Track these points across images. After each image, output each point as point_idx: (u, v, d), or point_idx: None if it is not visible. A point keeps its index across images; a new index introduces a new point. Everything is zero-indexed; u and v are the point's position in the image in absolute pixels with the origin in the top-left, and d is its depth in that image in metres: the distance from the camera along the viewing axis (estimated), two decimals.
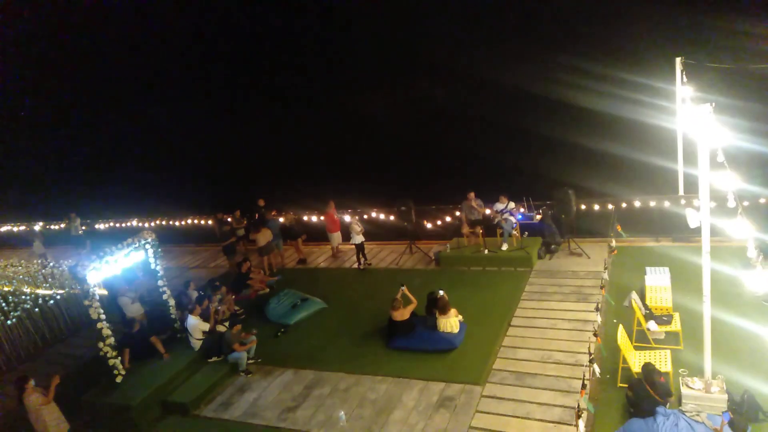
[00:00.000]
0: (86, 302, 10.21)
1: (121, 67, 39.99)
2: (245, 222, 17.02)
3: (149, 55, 39.55)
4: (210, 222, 18.95)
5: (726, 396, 7.36)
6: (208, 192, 26.44)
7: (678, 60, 12.36)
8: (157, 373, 10.76)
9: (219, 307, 12.55)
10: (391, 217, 16.21)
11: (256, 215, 16.90)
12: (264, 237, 15.53)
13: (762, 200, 11.99)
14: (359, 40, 35.52)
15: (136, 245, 11.65)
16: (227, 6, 39.63)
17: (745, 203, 11.65)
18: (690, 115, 6.70)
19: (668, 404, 7.60)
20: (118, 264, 11.11)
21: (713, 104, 6.58)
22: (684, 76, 12.07)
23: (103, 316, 10.38)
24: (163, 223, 21.08)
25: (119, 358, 10.73)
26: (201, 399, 10.26)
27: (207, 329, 11.57)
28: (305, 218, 17.52)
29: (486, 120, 26.48)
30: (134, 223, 21.90)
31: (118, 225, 22.29)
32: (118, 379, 10.58)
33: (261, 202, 17.31)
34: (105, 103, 39.58)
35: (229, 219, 16.82)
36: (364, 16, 35.29)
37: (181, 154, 33.83)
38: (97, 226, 22.66)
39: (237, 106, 36.36)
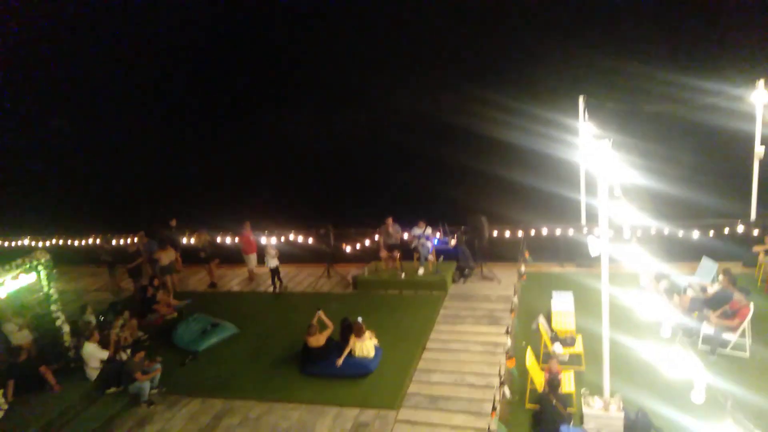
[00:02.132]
0: None
1: (23, 78, 37.25)
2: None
3: (61, 68, 37.22)
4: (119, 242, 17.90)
5: (623, 414, 7.85)
6: (113, 210, 24.92)
7: (581, 98, 13.36)
8: (47, 407, 9.84)
9: (120, 333, 11.76)
10: (310, 240, 16.06)
11: (161, 238, 16.06)
12: (167, 256, 14.98)
13: (653, 231, 13.08)
14: (283, 62, 35.43)
15: (27, 266, 10.72)
16: (145, 21, 38.21)
17: (639, 233, 12.70)
18: (591, 150, 7.22)
19: (571, 422, 7.99)
20: (4, 287, 10.14)
21: (611, 140, 7.14)
22: (586, 114, 13.05)
23: None
24: (60, 242, 19.56)
25: (1, 391, 9.71)
26: None
27: (105, 357, 10.79)
28: (218, 239, 16.95)
29: (405, 147, 27.13)
30: (26, 242, 20.16)
31: (6, 244, 20.42)
32: None
33: (173, 222, 16.56)
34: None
35: (136, 239, 15.95)
36: (289, 37, 35.31)
37: (85, 169, 31.79)
38: None
39: (152, 122, 34.86)
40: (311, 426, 9.04)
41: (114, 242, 17.93)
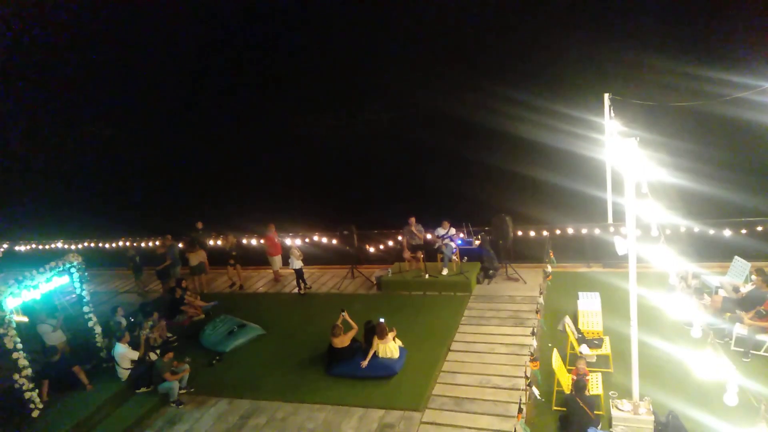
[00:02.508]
0: (0, 330, 9.49)
1: (46, 81, 38.19)
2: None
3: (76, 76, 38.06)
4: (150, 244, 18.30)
5: (653, 417, 7.69)
6: (141, 215, 25.43)
7: (606, 96, 13.15)
8: (79, 406, 10.09)
9: (150, 335, 11.99)
10: (334, 241, 16.14)
11: (191, 239, 16.34)
12: (196, 257, 15.42)
13: (682, 229, 12.80)
14: (306, 62, 35.71)
15: (60, 269, 11.01)
16: (165, 19, 38.84)
17: (668, 232, 12.43)
18: (617, 148, 7.11)
19: (599, 425, 7.86)
20: (39, 289, 10.44)
21: (638, 138, 7.02)
22: (611, 111, 12.84)
23: (19, 346, 9.69)
24: (92, 245, 20.04)
25: (36, 390, 10.00)
26: None
27: (136, 358, 11.01)
28: (244, 241, 17.16)
29: (429, 147, 27.10)
30: (59, 245, 20.70)
31: (40, 247, 21.00)
32: (35, 414, 9.84)
33: (199, 225, 16.83)
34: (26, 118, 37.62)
35: (158, 242, 16.29)
36: (312, 39, 35.57)
37: (114, 175, 32.49)
38: (16, 248, 21.26)
39: (176, 125, 35.47)
40: (336, 427, 9.08)
41: (142, 245, 18.31)
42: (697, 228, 12.73)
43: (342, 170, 28.05)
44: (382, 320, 10.58)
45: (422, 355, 10.68)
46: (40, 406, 9.97)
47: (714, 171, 17.46)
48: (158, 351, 11.55)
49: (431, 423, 8.83)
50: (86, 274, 11.73)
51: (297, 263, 14.66)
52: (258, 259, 16.97)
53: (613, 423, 7.84)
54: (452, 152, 25.91)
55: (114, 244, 19.66)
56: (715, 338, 9.65)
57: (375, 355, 10.35)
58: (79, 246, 20.10)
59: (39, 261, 11.12)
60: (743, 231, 12.39)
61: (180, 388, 10.58)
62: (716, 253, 12.51)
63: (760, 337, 9.20)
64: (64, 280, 11.22)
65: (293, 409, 9.74)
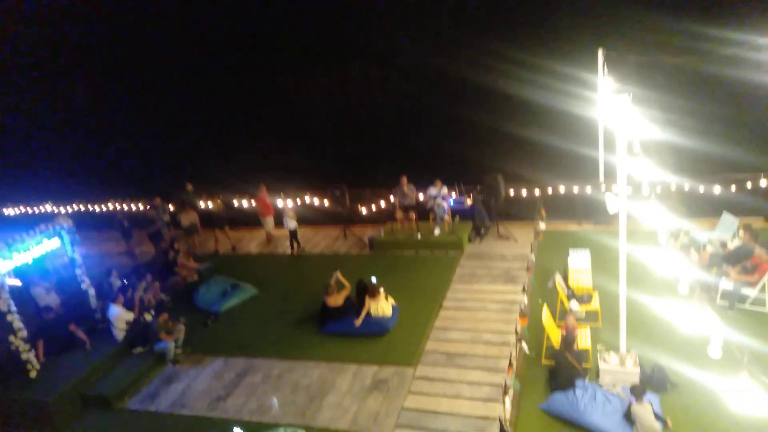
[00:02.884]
0: None
1: (41, 45, 37.02)
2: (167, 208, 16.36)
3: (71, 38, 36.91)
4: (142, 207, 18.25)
5: (638, 369, 7.92)
6: (132, 175, 25.17)
7: (600, 50, 12.93)
8: (76, 367, 10.21)
9: (144, 296, 12.05)
10: (325, 202, 16.11)
11: (181, 200, 16.25)
12: (187, 217, 15.46)
13: (673, 187, 12.87)
14: (294, 21, 34.79)
15: (50, 232, 10.94)
16: None
17: (658, 190, 12.51)
18: (610, 105, 7.05)
19: (587, 377, 8.09)
20: (30, 252, 10.39)
21: (631, 94, 6.95)
22: (605, 67, 12.66)
23: (13, 308, 9.71)
24: (81, 208, 19.89)
25: (32, 351, 10.09)
26: (125, 391, 9.85)
27: (131, 319, 11.10)
28: (235, 203, 17.09)
29: (419, 105, 26.79)
30: (48, 208, 20.52)
31: (29, 210, 20.81)
32: (32, 374, 9.96)
33: (189, 187, 16.69)
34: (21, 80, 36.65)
35: (148, 206, 16.21)
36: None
37: (101, 134, 31.95)
38: (4, 211, 21.07)
39: (164, 85, 34.71)
40: (331, 382, 9.28)
41: (131, 207, 18.20)
42: (687, 185, 12.81)
43: (332, 128, 27.74)
44: (374, 280, 10.68)
45: (415, 312, 10.85)
46: (37, 367, 10.07)
47: (706, 127, 17.42)
48: (153, 312, 11.63)
49: (423, 378, 9.04)
50: (77, 237, 11.67)
51: (291, 223, 14.66)
52: (250, 220, 16.94)
53: (600, 375, 8.07)
54: (444, 110, 25.64)
55: (103, 207, 19.53)
56: (702, 293, 9.86)
57: (368, 313, 10.49)
58: (69, 209, 19.94)
59: (28, 224, 11.03)
60: (732, 186, 12.48)
61: (176, 348, 10.71)
62: (706, 209, 12.63)
63: (746, 290, 9.40)
64: (55, 243, 11.15)
65: (288, 367, 9.92)
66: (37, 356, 10.17)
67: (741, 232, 10.29)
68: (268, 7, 35.43)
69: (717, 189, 12.51)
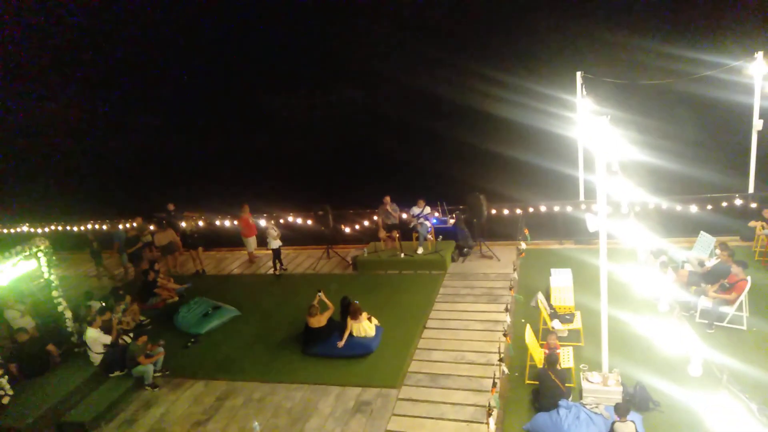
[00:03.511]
0: None
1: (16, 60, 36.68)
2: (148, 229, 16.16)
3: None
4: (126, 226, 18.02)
5: (621, 388, 7.95)
6: (113, 196, 24.87)
7: (578, 74, 13.25)
8: (51, 392, 9.94)
9: (123, 318, 11.83)
10: (309, 222, 16.07)
11: (163, 220, 16.09)
12: (165, 236, 15.30)
13: (651, 206, 13.09)
14: (277, 40, 35.05)
15: (27, 253, 10.73)
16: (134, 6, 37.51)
17: (637, 209, 12.71)
18: (589, 126, 7.19)
19: (570, 397, 8.10)
20: (5, 274, 10.17)
21: (609, 117, 7.10)
22: (584, 90, 12.95)
23: None
24: (59, 228, 19.56)
25: (6, 377, 9.80)
26: (101, 417, 9.59)
27: (108, 342, 10.87)
28: (218, 223, 16.98)
29: (403, 126, 27.01)
30: (25, 228, 20.15)
31: (4, 231, 20.42)
32: (5, 401, 9.66)
33: (170, 207, 16.55)
34: None
35: (134, 225, 15.98)
36: (284, 16, 34.86)
37: (80, 155, 31.60)
38: None
39: (147, 104, 34.58)
40: (314, 405, 9.16)
41: (106, 228, 17.98)
42: (665, 205, 13.04)
43: (316, 149, 27.79)
44: (357, 303, 10.64)
45: (398, 333, 10.79)
46: (11, 392, 9.79)
47: (682, 148, 17.85)
48: (131, 334, 11.42)
49: (407, 399, 8.96)
50: (54, 258, 11.46)
51: (275, 243, 14.58)
52: (232, 241, 16.82)
53: (584, 394, 8.08)
54: (426, 131, 25.87)
55: (80, 227, 19.23)
56: (681, 311, 9.98)
57: (351, 334, 10.42)
58: (46, 229, 19.61)
59: (3, 245, 10.82)
60: (709, 207, 12.74)
61: (155, 371, 10.49)
62: (683, 228, 12.86)
63: (724, 309, 9.53)
64: (32, 264, 10.94)
65: (270, 389, 9.77)
66: (10, 381, 9.89)
67: (718, 251, 10.48)
68: (253, 30, 35.67)
69: (693, 208, 12.76)
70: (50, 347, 10.64)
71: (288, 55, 34.08)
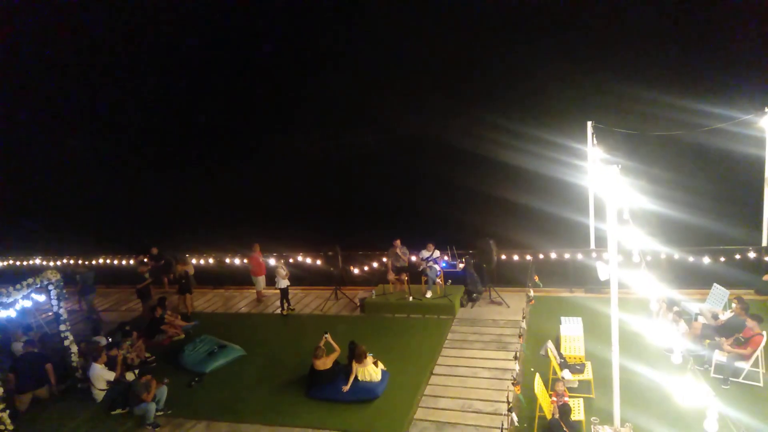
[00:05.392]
0: None
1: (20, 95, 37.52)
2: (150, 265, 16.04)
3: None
4: (128, 262, 18.14)
5: None
6: (122, 232, 25.11)
7: (589, 123, 13.40)
8: (52, 427, 9.80)
9: (128, 354, 11.76)
10: (318, 262, 16.08)
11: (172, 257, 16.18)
12: (184, 268, 15.26)
13: (663, 256, 12.97)
14: (289, 81, 35.89)
15: (38, 285, 10.80)
16: (142, 34, 38.39)
17: (648, 258, 12.59)
18: (599, 175, 7.23)
19: None
20: (14, 306, 10.22)
21: (619, 166, 7.14)
22: (594, 139, 13.08)
23: None
24: (71, 262, 19.72)
25: (7, 411, 9.69)
26: None
27: (112, 378, 10.77)
28: (228, 260, 17.04)
29: (415, 171, 27.25)
30: (37, 261, 20.33)
31: (18, 263, 20.61)
32: None
33: (153, 251, 16.39)
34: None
35: (145, 260, 16.08)
36: (295, 55, 35.83)
37: (92, 190, 32.07)
38: None
39: (158, 147, 35.27)
40: None
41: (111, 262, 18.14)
42: (677, 255, 12.91)
43: (327, 191, 28.05)
44: (362, 346, 10.52)
45: (405, 378, 10.60)
46: (11, 427, 9.66)
47: (693, 199, 17.76)
48: (136, 371, 11.32)
49: None
50: (64, 291, 11.51)
51: (283, 282, 14.55)
52: (241, 279, 16.82)
53: None
54: (438, 177, 26.05)
55: (94, 262, 19.36)
56: (695, 365, 9.72)
57: (356, 378, 10.25)
58: (58, 263, 19.77)
59: (15, 278, 10.90)
60: (722, 258, 12.59)
61: (157, 410, 10.33)
62: (696, 280, 12.66)
63: (739, 364, 9.28)
64: (41, 297, 10.99)
65: None
66: (11, 417, 9.76)
67: (733, 304, 10.29)
68: (258, 71, 36.53)
69: (706, 260, 12.61)
70: (48, 366, 10.57)
71: (300, 96, 34.84)
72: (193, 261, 16.86)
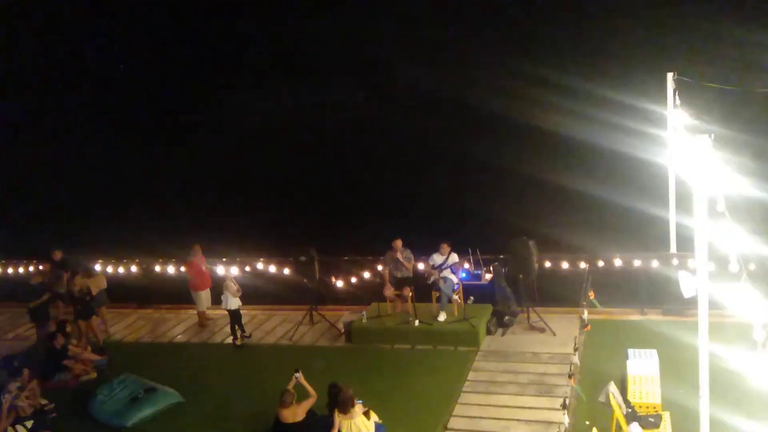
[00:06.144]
0: None
1: None
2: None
3: None
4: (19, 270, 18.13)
5: None
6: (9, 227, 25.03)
7: (669, 76, 13.35)
8: None
9: (16, 402, 11.74)
10: (285, 271, 16.09)
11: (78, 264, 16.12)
12: (96, 283, 15.24)
13: None
14: (244, 22, 35.80)
15: None
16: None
17: (752, 267, 12.58)
18: (683, 148, 7.21)
19: None
20: None
21: (712, 136, 7.11)
22: (677, 97, 13.04)
23: None
24: None
25: None
26: None
27: None
28: (157, 268, 17.02)
29: (423, 143, 27.17)
30: None
31: None
32: None
33: (57, 255, 16.33)
34: None
35: (42, 267, 16.08)
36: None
37: None
38: None
39: (60, 111, 35.18)
40: None
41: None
42: None
43: (300, 171, 27.96)
44: (350, 392, 10.52)
45: None
46: None
47: None
48: (28, 424, 11.32)
49: None
50: None
51: (233, 302, 14.57)
52: (176, 295, 16.81)
53: None
54: (456, 151, 26.01)
55: None
56: None
57: None
58: None
59: None
60: None
61: None
62: None
63: None
64: None
65: None
66: None
67: None
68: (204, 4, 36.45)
69: None
70: None
71: (264, 40, 34.68)
72: (109, 270, 16.83)
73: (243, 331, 14.88)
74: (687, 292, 7.33)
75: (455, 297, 14.14)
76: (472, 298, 14.26)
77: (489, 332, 13.91)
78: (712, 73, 20.24)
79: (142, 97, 34.91)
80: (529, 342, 13.46)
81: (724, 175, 7.27)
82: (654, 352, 11.39)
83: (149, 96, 34.94)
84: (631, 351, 11.53)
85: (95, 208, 25.86)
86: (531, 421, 10.80)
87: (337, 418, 10.26)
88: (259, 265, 16.41)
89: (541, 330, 13.80)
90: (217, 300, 15.27)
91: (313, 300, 15.57)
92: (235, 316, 14.69)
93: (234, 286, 14.61)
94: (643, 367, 11.02)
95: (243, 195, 25.82)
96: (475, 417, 11.14)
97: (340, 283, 15.67)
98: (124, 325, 16.49)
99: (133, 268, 17.30)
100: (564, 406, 9.87)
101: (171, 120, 33.03)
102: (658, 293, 13.91)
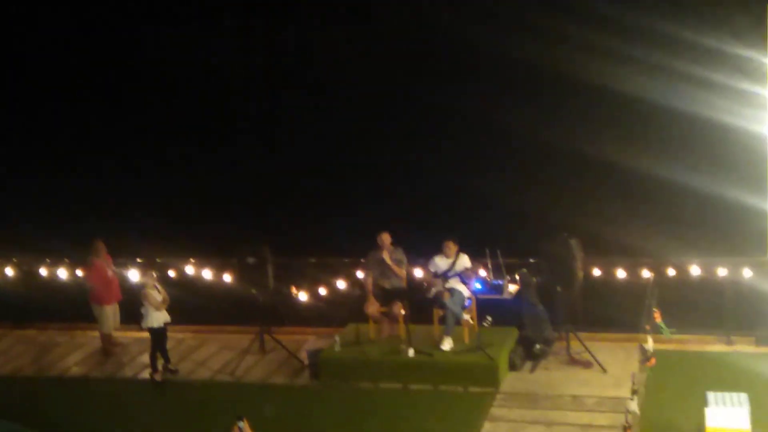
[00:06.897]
0: None
1: None
2: None
3: None
4: None
5: None
6: None
7: None
8: None
9: None
10: (226, 278, 16.07)
11: None
12: None
13: None
14: None
15: None
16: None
17: None
18: None
19: None
20: None
21: None
22: None
23: None
24: None
25: None
26: None
27: None
28: (43, 272, 17.00)
29: (419, 98, 27.15)
30: None
31: None
32: None
33: None
34: None
35: None
36: None
37: None
38: None
39: None
40: None
41: None
42: None
43: (245, 139, 27.88)
44: None
45: None
46: None
47: None
48: None
49: None
50: None
51: (156, 316, 14.56)
52: (71, 310, 16.78)
53: None
54: (466, 112, 25.99)
55: None
56: None
57: None
58: None
59: None
60: None
61: None
62: None
63: None
64: None
65: None
66: None
67: None
68: None
69: None
70: None
71: None
72: None
73: (167, 361, 14.89)
74: None
75: (466, 317, 14.16)
76: (489, 318, 14.32)
77: (513, 367, 13.99)
78: None
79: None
80: (569, 381, 13.55)
81: None
82: (744, 396, 11.46)
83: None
84: (711, 395, 11.57)
85: None
86: None
87: None
88: (189, 269, 16.40)
89: (586, 364, 13.88)
90: (131, 317, 15.25)
91: (265, 319, 15.62)
92: (157, 338, 14.72)
93: (158, 296, 14.59)
94: (728, 418, 11.09)
95: (168, 171, 25.66)
96: None
97: (303, 296, 15.69)
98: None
99: (8, 271, 17.22)
100: None
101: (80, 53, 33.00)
102: (750, 315, 14.02)
